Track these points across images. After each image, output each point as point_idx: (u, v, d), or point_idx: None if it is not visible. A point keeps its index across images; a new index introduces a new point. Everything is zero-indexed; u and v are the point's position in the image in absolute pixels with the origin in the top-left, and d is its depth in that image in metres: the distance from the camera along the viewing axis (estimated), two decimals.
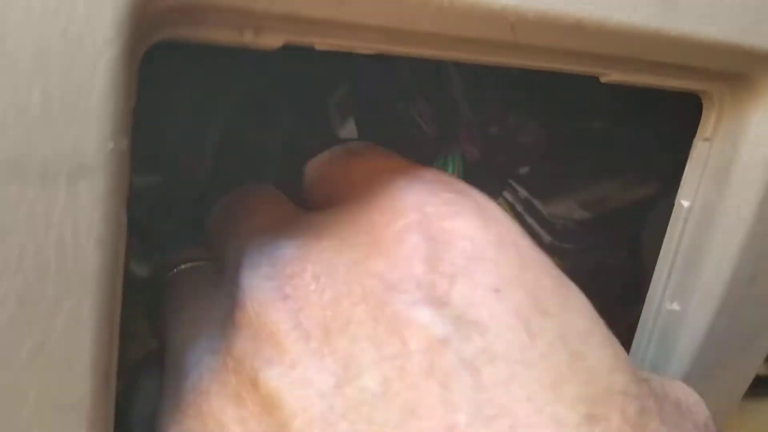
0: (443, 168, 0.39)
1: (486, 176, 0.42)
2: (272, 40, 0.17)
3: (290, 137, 0.36)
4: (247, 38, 0.17)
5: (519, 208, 0.45)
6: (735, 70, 0.25)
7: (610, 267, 0.44)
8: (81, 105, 0.14)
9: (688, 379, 0.30)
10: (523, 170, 0.44)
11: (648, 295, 0.30)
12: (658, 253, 0.30)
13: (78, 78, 0.13)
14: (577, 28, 0.20)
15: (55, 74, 0.13)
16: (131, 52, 0.15)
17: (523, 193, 0.44)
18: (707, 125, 0.28)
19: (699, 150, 0.28)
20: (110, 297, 0.16)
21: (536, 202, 0.44)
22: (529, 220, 0.44)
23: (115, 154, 0.15)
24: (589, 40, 0.21)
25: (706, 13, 0.22)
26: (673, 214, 0.29)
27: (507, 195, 0.44)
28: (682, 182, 0.29)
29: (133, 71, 0.15)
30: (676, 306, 0.29)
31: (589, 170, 0.43)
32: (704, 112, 0.28)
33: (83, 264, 0.15)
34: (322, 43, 0.18)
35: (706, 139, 0.28)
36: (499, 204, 0.45)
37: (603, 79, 0.24)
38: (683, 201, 0.28)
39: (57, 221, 0.14)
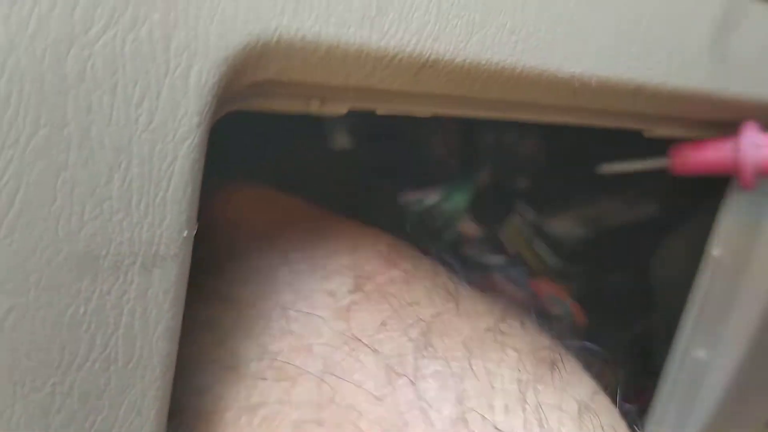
0: (453, 192, 0.38)
1: (492, 201, 0.42)
2: (337, 108, 0.17)
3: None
4: (313, 107, 0.16)
5: (526, 233, 0.44)
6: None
7: (616, 287, 0.44)
8: (160, 194, 0.13)
9: (712, 423, 0.30)
10: (524, 185, 0.43)
11: (675, 341, 0.30)
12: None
13: (158, 168, 0.13)
14: (635, 93, 0.20)
15: (136, 165, 0.13)
16: (207, 134, 0.14)
17: (530, 216, 0.44)
18: None
19: (733, 200, 0.28)
20: (170, 383, 0.15)
21: (545, 225, 0.44)
22: (538, 243, 0.44)
23: (187, 241, 0.14)
24: (644, 102, 0.21)
25: (755, 73, 0.22)
26: (704, 263, 0.29)
27: (516, 220, 0.44)
28: (714, 232, 0.28)
29: (204, 151, 0.15)
30: (702, 354, 0.29)
31: (589, 187, 0.43)
32: None
33: (149, 354, 0.14)
34: (383, 108, 0.18)
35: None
36: (508, 230, 0.45)
37: (647, 135, 0.24)
38: (715, 251, 0.28)
39: (127, 312, 0.14)
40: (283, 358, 0.17)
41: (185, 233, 0.14)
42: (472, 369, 0.16)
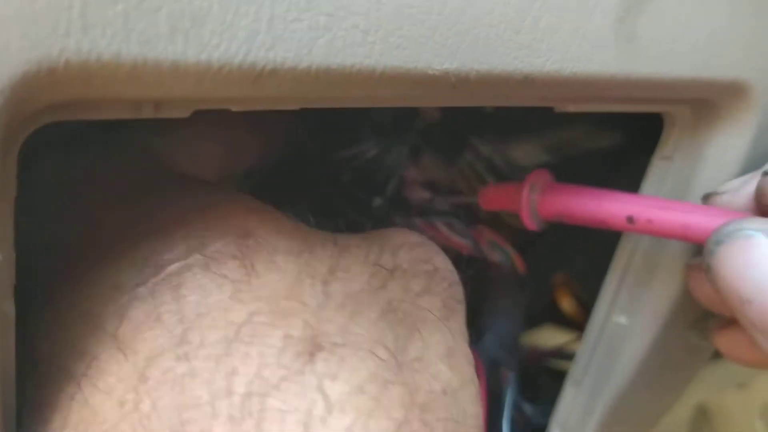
0: (393, 142, 0.37)
1: (446, 138, 0.40)
2: (176, 113, 0.15)
3: None
4: (146, 113, 0.15)
5: (480, 167, 0.43)
6: (694, 96, 0.24)
7: None
8: None
9: (630, 388, 0.30)
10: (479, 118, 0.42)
11: (596, 305, 0.30)
12: None
13: None
14: (525, 82, 0.18)
15: None
16: (4, 149, 0.13)
17: (485, 150, 0.42)
18: (667, 144, 0.26)
19: (657, 168, 0.27)
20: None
21: (497, 160, 0.43)
22: (491, 179, 0.43)
23: None
24: (541, 89, 0.19)
25: (663, 53, 0.20)
26: (623, 235, 0.28)
27: (468, 155, 0.42)
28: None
29: (10, 163, 0.14)
30: (623, 320, 0.29)
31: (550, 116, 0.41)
32: (665, 132, 0.26)
33: None
34: (237, 106, 0.16)
35: (666, 158, 0.26)
36: (460, 167, 0.43)
37: (558, 110, 0.22)
38: None
39: None
40: None
41: None
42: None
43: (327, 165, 0.36)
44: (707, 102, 0.24)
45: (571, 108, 0.22)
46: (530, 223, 0.28)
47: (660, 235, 0.23)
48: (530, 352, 0.45)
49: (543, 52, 0.18)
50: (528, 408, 0.38)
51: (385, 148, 0.37)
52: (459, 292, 0.23)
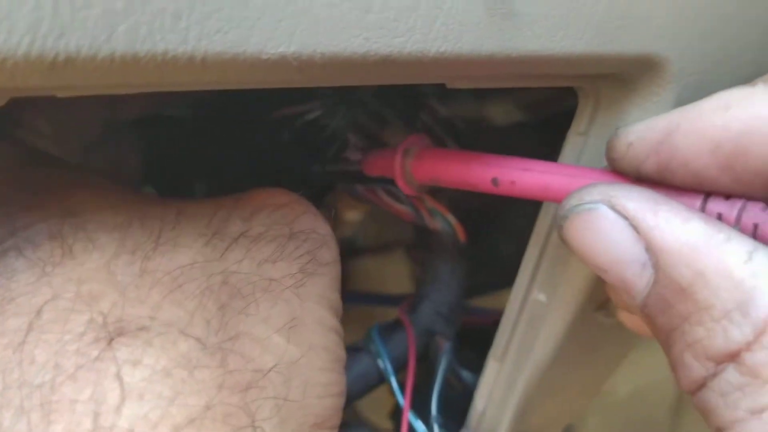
0: (337, 104, 0.36)
1: (401, 99, 0.39)
2: None
3: None
4: None
5: (438, 130, 0.42)
6: (603, 72, 0.22)
7: None
8: None
9: (550, 365, 0.30)
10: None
11: (516, 282, 0.29)
12: None
13: None
14: (386, 63, 0.17)
15: None
16: None
17: (443, 111, 0.41)
18: (582, 120, 0.25)
19: (573, 144, 0.25)
20: None
21: (458, 122, 0.41)
22: (450, 143, 0.41)
23: None
24: (411, 69, 0.18)
25: (551, 30, 0.19)
26: (542, 208, 0.27)
27: (424, 116, 0.41)
28: None
29: None
30: (542, 297, 0.28)
31: None
32: (579, 107, 0.25)
33: None
34: (63, 94, 0.15)
35: (581, 134, 0.25)
36: (418, 128, 0.42)
37: (450, 86, 0.21)
38: None
39: None
40: None
41: None
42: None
43: (265, 123, 0.35)
44: (619, 77, 0.23)
45: (461, 85, 0.21)
46: (405, 187, 0.28)
47: (524, 196, 0.23)
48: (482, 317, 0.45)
49: (401, 32, 0.17)
50: (468, 376, 0.38)
51: (330, 110, 0.35)
52: (326, 253, 0.23)
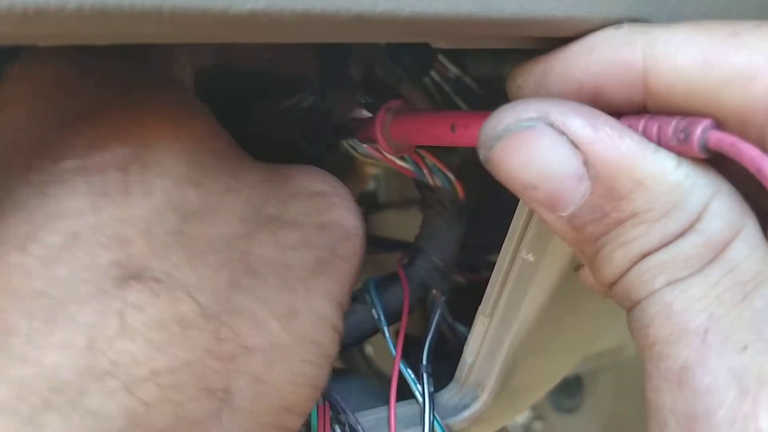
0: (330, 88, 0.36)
1: (410, 56, 0.39)
2: None
3: None
4: None
5: (448, 88, 0.42)
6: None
7: None
8: None
9: (537, 323, 0.30)
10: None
11: (505, 241, 0.29)
12: None
13: None
14: (360, 21, 0.17)
15: None
16: None
17: (453, 71, 0.41)
18: None
19: None
20: None
21: (468, 80, 0.41)
22: (459, 101, 0.41)
23: None
24: (386, 28, 0.18)
25: None
26: None
27: (434, 74, 0.41)
28: None
29: None
30: (530, 257, 0.29)
31: None
32: None
33: None
34: (43, 43, 0.16)
35: None
36: (426, 85, 0.42)
37: (434, 46, 0.21)
38: None
39: None
40: None
41: None
42: None
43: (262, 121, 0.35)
44: None
45: (445, 45, 0.21)
46: (387, 147, 0.29)
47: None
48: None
49: None
50: (464, 330, 0.39)
51: (321, 95, 0.35)
52: (347, 247, 0.24)
